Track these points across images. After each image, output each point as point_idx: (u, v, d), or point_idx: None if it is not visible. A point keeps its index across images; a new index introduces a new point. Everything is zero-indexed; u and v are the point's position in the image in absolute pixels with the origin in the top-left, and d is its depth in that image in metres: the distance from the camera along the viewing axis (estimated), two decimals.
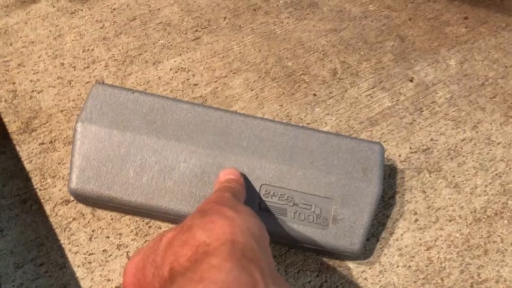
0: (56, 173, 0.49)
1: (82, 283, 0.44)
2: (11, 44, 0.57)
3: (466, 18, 0.68)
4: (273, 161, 0.44)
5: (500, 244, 0.49)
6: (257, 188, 0.44)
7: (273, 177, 0.44)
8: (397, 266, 0.47)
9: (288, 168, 0.44)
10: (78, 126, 0.43)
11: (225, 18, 0.63)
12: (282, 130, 0.45)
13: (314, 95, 0.57)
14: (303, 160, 0.44)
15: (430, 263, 0.47)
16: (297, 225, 0.43)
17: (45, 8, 0.61)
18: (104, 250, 0.45)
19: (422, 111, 0.58)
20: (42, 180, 0.49)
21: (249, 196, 0.43)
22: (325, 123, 0.55)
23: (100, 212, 0.47)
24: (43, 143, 0.51)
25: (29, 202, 0.47)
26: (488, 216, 0.51)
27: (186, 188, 0.43)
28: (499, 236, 0.49)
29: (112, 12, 0.62)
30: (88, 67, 0.56)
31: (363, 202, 0.44)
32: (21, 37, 0.58)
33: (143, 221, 0.47)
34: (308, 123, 0.55)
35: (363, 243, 0.44)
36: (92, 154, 0.43)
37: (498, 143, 0.56)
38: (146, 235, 0.46)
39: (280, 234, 0.43)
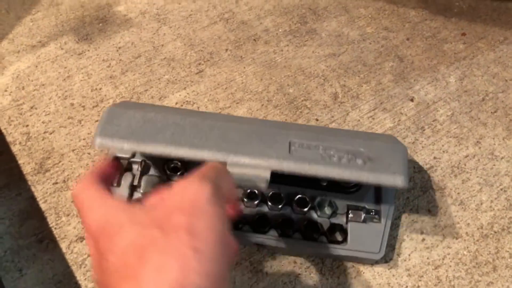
0: (70, 211, 0.51)
1: None
2: (23, 88, 0.60)
3: (463, 34, 0.69)
4: (299, 130, 0.46)
5: (509, 260, 0.49)
6: (286, 143, 0.44)
7: (301, 137, 0.45)
8: (406, 287, 0.47)
9: (315, 136, 0.45)
10: (105, 109, 0.45)
11: (226, 50, 0.65)
12: (302, 126, 0.50)
13: (317, 120, 0.59)
14: (327, 137, 0.46)
15: (439, 282, 0.48)
16: (333, 166, 0.43)
17: (54, 51, 0.63)
18: None
19: (424, 130, 0.59)
20: (57, 219, 0.50)
21: (278, 145, 0.44)
22: None
23: None
24: (56, 183, 0.53)
25: (46, 241, 0.49)
26: (495, 232, 0.51)
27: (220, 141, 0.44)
28: (507, 251, 0.50)
29: (117, 50, 0.64)
30: (96, 105, 0.59)
31: (394, 153, 0.45)
32: (32, 80, 0.61)
33: None
34: None
35: (408, 176, 0.43)
36: (118, 120, 0.43)
37: (502, 158, 0.56)
38: None
39: (316, 174, 0.43)
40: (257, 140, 0.44)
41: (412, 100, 0.61)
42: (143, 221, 0.29)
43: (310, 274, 0.48)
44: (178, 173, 0.49)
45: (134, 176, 0.49)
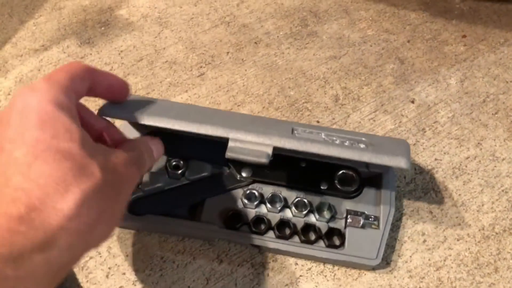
0: None
1: None
2: None
3: (464, 36, 0.69)
4: (301, 123, 0.49)
5: (511, 261, 0.49)
6: (289, 128, 0.46)
7: (304, 126, 0.47)
8: None
9: (317, 127, 0.48)
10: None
11: (228, 53, 0.65)
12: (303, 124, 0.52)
13: (318, 121, 0.59)
14: (329, 128, 0.48)
15: (440, 284, 0.48)
16: (335, 146, 0.43)
17: (56, 54, 0.64)
18: (121, 287, 0.47)
19: (425, 132, 0.59)
20: None
21: (282, 128, 0.45)
22: None
23: (115, 250, 0.49)
24: None
25: None
26: (496, 233, 0.51)
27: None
28: (509, 252, 0.50)
29: (119, 54, 0.64)
30: None
31: (396, 142, 0.47)
32: None
33: (157, 256, 0.49)
34: None
35: (410, 161, 0.44)
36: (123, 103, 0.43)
37: (503, 159, 0.56)
38: (161, 269, 0.48)
39: (318, 153, 0.43)
40: (260, 124, 0.45)
41: (413, 102, 0.61)
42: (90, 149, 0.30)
43: (311, 276, 0.48)
44: (180, 171, 0.50)
45: None
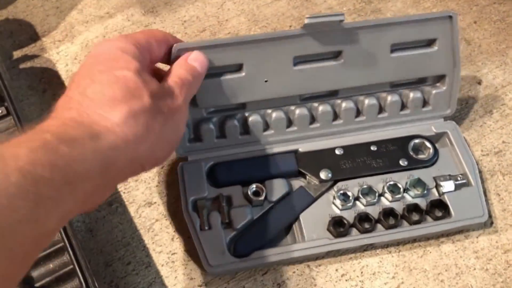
0: (138, 177, 0.52)
1: (166, 281, 0.46)
2: None
3: None
4: None
5: None
6: None
7: None
8: (474, 269, 0.47)
9: None
10: None
11: (290, 26, 0.65)
12: None
13: None
14: None
15: (508, 267, 0.47)
16: None
17: (121, 22, 0.64)
18: (186, 250, 0.48)
19: (492, 114, 0.57)
20: (125, 184, 0.52)
21: None
22: None
23: (181, 215, 0.49)
24: None
25: (115, 205, 0.50)
26: None
27: None
28: None
29: (183, 24, 0.65)
30: None
31: None
32: None
33: None
34: None
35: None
36: None
37: None
38: None
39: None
40: None
41: (479, 83, 0.60)
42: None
43: (375, 251, 0.48)
44: (261, 197, 0.47)
45: (221, 213, 0.47)
